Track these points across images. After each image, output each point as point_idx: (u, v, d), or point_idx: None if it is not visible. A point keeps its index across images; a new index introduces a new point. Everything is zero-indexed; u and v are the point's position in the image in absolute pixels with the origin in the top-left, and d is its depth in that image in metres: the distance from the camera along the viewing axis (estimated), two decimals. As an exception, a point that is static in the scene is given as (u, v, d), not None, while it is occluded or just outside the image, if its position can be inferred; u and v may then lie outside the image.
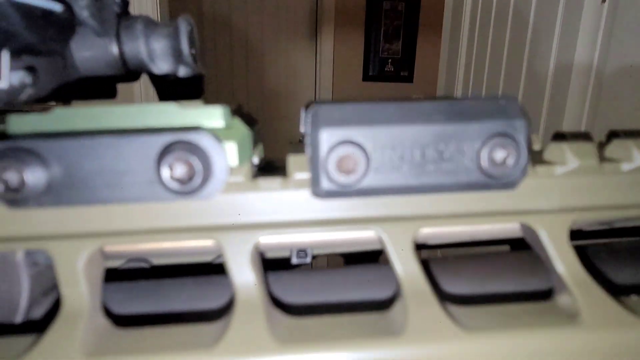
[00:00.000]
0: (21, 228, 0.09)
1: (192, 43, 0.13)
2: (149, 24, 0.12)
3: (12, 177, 0.08)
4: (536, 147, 0.10)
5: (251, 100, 2.11)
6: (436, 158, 0.08)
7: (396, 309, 0.08)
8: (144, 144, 0.08)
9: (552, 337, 0.08)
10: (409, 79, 2.25)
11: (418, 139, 0.08)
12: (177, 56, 0.13)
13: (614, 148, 0.09)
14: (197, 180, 0.08)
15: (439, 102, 0.08)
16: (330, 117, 0.08)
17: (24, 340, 0.09)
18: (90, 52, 0.11)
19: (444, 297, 0.09)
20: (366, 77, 2.20)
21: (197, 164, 0.08)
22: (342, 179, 0.08)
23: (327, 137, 0.08)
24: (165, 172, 0.08)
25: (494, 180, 0.08)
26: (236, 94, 2.12)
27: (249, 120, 0.11)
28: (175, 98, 0.13)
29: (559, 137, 0.10)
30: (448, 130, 0.08)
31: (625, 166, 0.09)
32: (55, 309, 0.09)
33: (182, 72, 0.13)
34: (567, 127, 0.55)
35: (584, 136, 0.10)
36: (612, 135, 0.10)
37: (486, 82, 0.90)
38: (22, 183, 0.08)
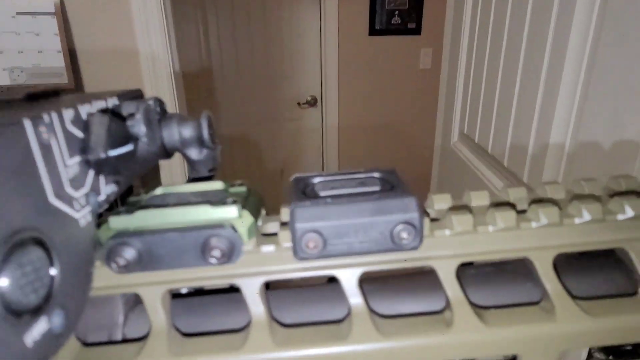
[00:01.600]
0: (122, 281, 0.15)
1: (210, 128, 0.18)
2: (181, 120, 0.18)
3: (119, 259, 0.14)
4: (440, 208, 0.16)
5: (256, 62, 2.10)
6: (366, 236, 0.14)
7: (346, 322, 0.15)
8: (193, 237, 0.14)
9: (431, 338, 0.14)
10: (417, 31, 2.20)
11: (355, 227, 0.14)
12: (201, 142, 0.18)
13: (489, 214, 0.15)
14: (225, 257, 0.14)
15: (367, 203, 0.14)
16: (302, 216, 0.14)
17: (128, 348, 0.15)
18: (146, 154, 0.16)
19: (374, 313, 0.15)
20: (372, 32, 2.15)
21: (225, 247, 0.14)
22: (309, 251, 0.14)
23: (300, 228, 0.14)
24: (206, 254, 0.14)
25: (402, 247, 0.14)
26: (240, 56, 2.11)
27: (256, 195, 0.16)
28: (201, 166, 0.19)
29: (452, 209, 0.15)
30: (373, 221, 0.14)
31: (491, 228, 0.15)
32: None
33: (204, 152, 0.18)
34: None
35: (464, 207, 0.15)
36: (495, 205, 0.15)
37: (491, 34, 0.92)
38: (125, 261, 0.14)
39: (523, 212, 0.15)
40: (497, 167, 0.90)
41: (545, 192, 0.16)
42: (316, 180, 0.16)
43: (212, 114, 0.18)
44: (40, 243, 0.11)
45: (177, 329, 0.15)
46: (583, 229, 0.14)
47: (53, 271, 0.11)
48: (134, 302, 0.17)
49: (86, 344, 0.15)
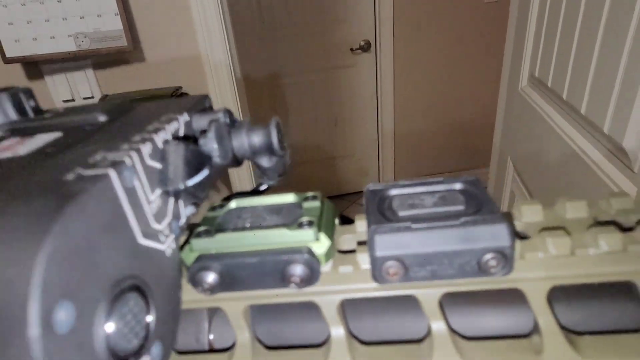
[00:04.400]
0: (210, 302, 0.15)
1: (279, 134, 0.18)
2: (250, 129, 0.17)
3: (203, 283, 0.14)
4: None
5: (306, 4, 2.02)
6: (451, 265, 0.13)
7: (426, 342, 0.14)
8: (272, 262, 0.14)
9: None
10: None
11: (439, 256, 0.13)
12: (270, 149, 0.18)
13: (590, 235, 0.13)
14: (304, 282, 0.14)
15: (453, 230, 0.13)
16: (383, 243, 0.13)
17: (217, 358, 0.16)
18: (218, 167, 0.16)
19: (455, 333, 0.14)
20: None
21: (303, 273, 0.14)
22: (390, 278, 0.13)
23: (380, 257, 0.13)
24: (286, 279, 0.14)
25: (490, 274, 0.13)
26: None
27: (329, 208, 0.16)
28: (271, 173, 0.19)
29: (546, 228, 0.14)
30: (459, 250, 0.13)
31: (592, 251, 0.13)
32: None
33: (274, 159, 0.18)
34: None
35: (560, 227, 0.14)
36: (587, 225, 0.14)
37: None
38: (208, 285, 0.14)
39: (630, 229, 0.14)
40: (573, 115, 0.82)
41: None
42: (392, 192, 0.15)
43: (280, 120, 0.18)
44: (137, 288, 0.11)
45: (259, 339, 0.16)
46: None
47: (150, 317, 0.12)
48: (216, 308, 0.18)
49: (179, 352, 0.16)
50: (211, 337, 0.17)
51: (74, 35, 1.32)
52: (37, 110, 0.18)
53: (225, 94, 1.29)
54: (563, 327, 0.14)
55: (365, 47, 2.10)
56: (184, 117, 0.16)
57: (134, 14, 1.26)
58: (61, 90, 1.32)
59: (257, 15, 1.99)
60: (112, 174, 0.11)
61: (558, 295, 0.14)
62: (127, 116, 0.16)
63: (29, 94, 0.18)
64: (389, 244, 0.13)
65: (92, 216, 0.10)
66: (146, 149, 0.13)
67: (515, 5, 1.15)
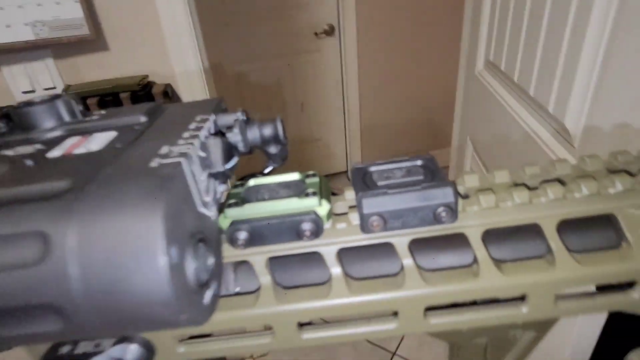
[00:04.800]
0: (237, 253, 0.20)
1: (283, 127, 0.23)
2: (261, 124, 0.22)
3: (237, 240, 0.19)
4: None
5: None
6: (415, 216, 0.19)
7: (400, 275, 0.20)
8: (288, 223, 0.19)
9: (464, 285, 0.19)
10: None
11: (407, 211, 0.19)
12: (277, 139, 0.23)
13: (508, 193, 0.19)
14: (313, 235, 0.19)
15: (416, 192, 0.18)
16: (368, 204, 0.19)
17: (247, 298, 0.21)
18: (240, 155, 0.21)
19: (420, 268, 0.20)
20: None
21: (312, 229, 0.19)
22: (373, 229, 0.19)
23: (367, 214, 0.19)
24: (300, 234, 0.19)
25: (442, 222, 0.19)
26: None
27: (325, 182, 0.21)
28: (277, 158, 0.24)
29: (480, 190, 0.20)
30: (421, 206, 0.18)
31: (509, 203, 0.19)
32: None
33: (279, 147, 0.23)
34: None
35: (488, 189, 0.20)
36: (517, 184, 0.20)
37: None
38: (241, 241, 0.19)
39: (535, 189, 0.20)
40: (523, 97, 0.91)
41: (554, 169, 0.20)
42: (372, 169, 0.21)
43: (282, 118, 0.23)
44: (203, 240, 0.16)
45: (277, 283, 0.21)
46: (581, 201, 0.19)
47: (211, 260, 0.17)
48: (238, 263, 0.23)
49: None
50: (237, 289, 0.22)
51: (31, 24, 1.28)
52: (84, 113, 0.22)
53: (192, 82, 1.29)
54: (493, 258, 0.20)
55: (330, 31, 2.13)
56: (212, 117, 0.20)
57: (95, 1, 1.23)
58: (20, 82, 1.28)
59: (220, 1, 1.97)
60: (183, 161, 0.16)
61: (489, 236, 0.21)
62: (163, 117, 0.21)
63: (77, 99, 0.22)
64: (372, 204, 0.19)
65: (177, 190, 0.15)
66: (197, 142, 0.18)
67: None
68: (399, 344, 1.64)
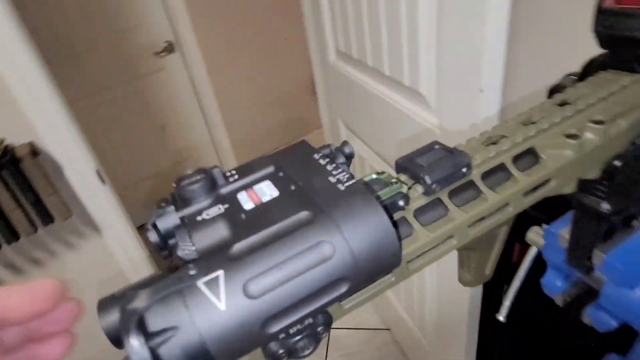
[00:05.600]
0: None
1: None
2: (343, 147, 0.29)
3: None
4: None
5: (90, 18, 1.86)
6: (451, 176, 0.29)
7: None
8: (393, 200, 0.27)
9: None
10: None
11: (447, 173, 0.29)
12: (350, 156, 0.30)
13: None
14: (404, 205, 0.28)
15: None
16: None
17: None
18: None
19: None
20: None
21: (403, 204, 0.27)
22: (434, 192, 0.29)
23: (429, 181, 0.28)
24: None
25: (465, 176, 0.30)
26: (68, 14, 1.85)
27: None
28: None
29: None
30: (452, 169, 0.29)
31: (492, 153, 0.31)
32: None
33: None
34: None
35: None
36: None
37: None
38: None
39: (496, 143, 0.32)
40: (380, 77, 1.06)
41: (499, 130, 0.33)
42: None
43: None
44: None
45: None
46: (520, 143, 0.32)
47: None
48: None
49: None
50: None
51: None
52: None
53: (53, 124, 1.10)
54: (488, 187, 0.32)
55: (170, 48, 2.08)
56: (332, 147, 0.26)
57: None
58: None
59: (54, 38, 1.74)
60: (358, 180, 0.22)
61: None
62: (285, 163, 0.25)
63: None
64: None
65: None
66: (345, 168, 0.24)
67: None
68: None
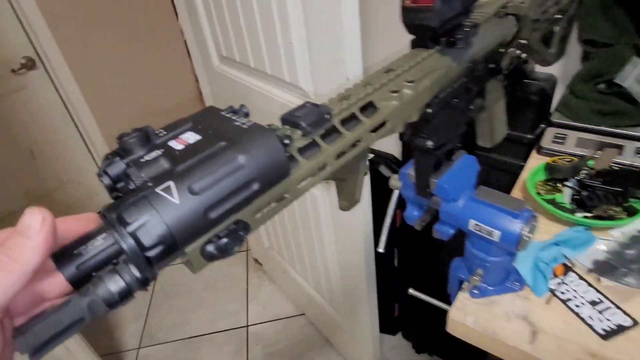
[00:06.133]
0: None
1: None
2: None
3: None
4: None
5: None
6: None
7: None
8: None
9: None
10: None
11: None
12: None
13: None
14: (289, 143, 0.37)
15: None
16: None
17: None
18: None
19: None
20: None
21: None
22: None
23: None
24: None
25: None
26: None
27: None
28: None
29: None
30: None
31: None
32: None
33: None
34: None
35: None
36: None
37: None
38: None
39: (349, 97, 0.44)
40: (264, 77, 1.15)
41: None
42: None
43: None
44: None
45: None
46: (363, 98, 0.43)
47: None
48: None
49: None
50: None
51: None
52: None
53: None
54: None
55: (30, 65, 1.91)
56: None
57: None
58: None
59: None
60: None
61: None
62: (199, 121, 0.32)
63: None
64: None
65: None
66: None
67: (182, 4, 1.38)
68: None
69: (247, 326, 1.78)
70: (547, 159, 0.74)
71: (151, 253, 0.22)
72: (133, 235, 0.22)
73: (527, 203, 0.49)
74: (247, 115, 0.33)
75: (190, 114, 0.31)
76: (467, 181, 0.52)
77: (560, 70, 0.95)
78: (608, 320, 0.52)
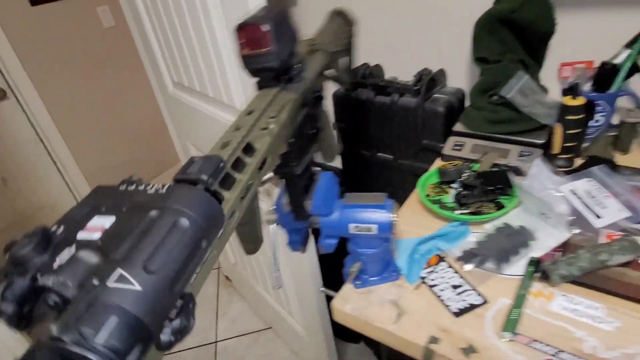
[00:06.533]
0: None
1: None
2: None
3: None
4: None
5: None
6: None
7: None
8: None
9: None
10: (84, -7, 2.15)
11: None
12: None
13: None
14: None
15: None
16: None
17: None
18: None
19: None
20: (34, 1, 2.02)
21: None
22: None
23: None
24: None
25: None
26: None
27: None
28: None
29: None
30: None
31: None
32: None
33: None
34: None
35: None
36: None
37: None
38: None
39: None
40: (208, 99, 1.22)
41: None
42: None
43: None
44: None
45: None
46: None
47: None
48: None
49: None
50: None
51: None
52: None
53: None
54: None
55: (1, 95, 1.99)
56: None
57: None
58: None
59: None
60: None
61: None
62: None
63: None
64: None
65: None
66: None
67: (135, 30, 1.47)
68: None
69: (216, 342, 1.81)
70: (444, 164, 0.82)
71: (131, 357, 0.18)
72: (106, 347, 0.17)
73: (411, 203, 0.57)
74: (137, 182, 0.28)
75: (79, 201, 0.26)
76: (333, 194, 0.58)
77: (469, 85, 1.05)
78: (464, 300, 0.59)
